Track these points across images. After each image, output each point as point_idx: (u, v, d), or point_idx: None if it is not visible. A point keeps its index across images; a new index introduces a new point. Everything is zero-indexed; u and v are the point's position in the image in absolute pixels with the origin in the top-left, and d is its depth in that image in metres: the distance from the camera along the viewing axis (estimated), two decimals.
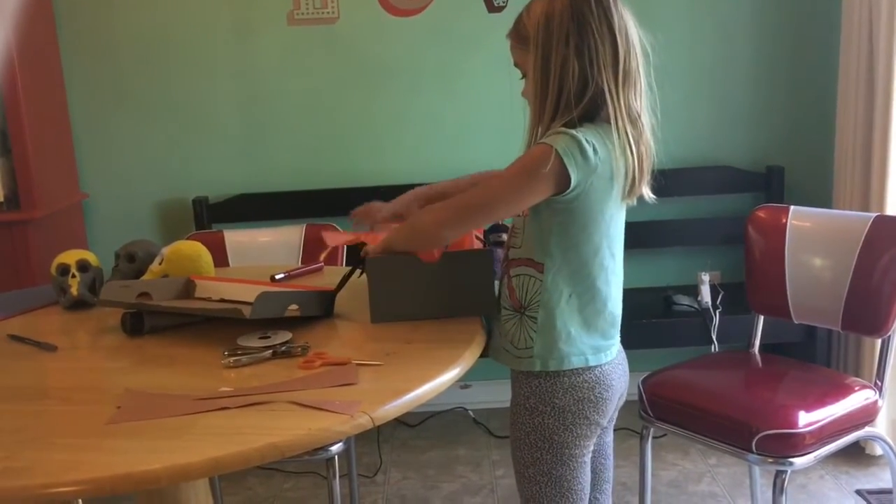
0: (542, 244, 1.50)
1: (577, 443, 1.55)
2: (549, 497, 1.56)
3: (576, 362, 1.52)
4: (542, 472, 1.55)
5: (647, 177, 1.52)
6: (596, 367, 1.54)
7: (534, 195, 1.45)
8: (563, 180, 1.42)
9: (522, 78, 1.56)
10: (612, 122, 1.45)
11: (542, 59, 1.46)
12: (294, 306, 1.67)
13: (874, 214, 2.17)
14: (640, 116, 1.48)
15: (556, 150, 1.40)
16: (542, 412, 1.53)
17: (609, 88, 1.44)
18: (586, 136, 1.42)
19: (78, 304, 1.93)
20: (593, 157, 1.42)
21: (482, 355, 1.56)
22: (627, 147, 1.46)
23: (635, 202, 1.55)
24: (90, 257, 2.00)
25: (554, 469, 1.54)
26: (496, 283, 1.64)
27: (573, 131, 1.43)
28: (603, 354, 1.56)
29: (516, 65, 1.56)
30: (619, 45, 1.44)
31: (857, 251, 2.12)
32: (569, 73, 1.44)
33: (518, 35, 1.53)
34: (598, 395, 1.55)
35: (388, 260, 1.66)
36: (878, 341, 2.18)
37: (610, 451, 1.74)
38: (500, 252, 1.69)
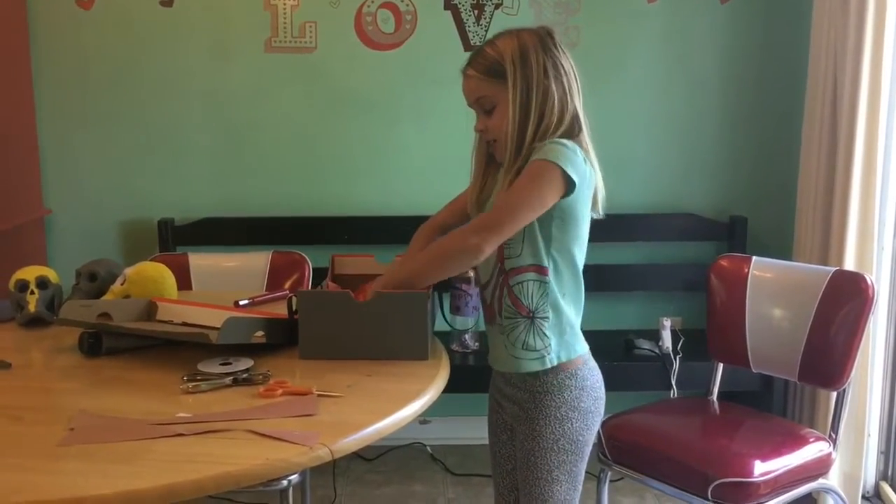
0: (545, 248, 1.59)
1: (591, 439, 1.69)
2: (566, 491, 1.67)
3: (580, 350, 1.66)
4: (566, 471, 1.66)
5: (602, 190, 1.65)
6: (588, 355, 1.68)
7: (546, 200, 1.53)
8: (566, 183, 1.52)
9: (488, 111, 1.62)
10: (586, 138, 1.61)
11: (523, 91, 1.57)
12: (260, 333, 1.66)
13: (833, 269, 2.22)
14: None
15: (552, 161, 1.51)
16: (570, 419, 1.64)
17: (579, 111, 1.60)
18: (572, 146, 1.55)
19: (35, 322, 1.89)
20: (583, 163, 1.55)
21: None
22: (594, 161, 1.62)
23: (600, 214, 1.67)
24: (50, 274, 1.97)
25: (575, 466, 1.67)
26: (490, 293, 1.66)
27: (561, 140, 1.55)
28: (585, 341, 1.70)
29: (479, 99, 1.63)
30: (576, 73, 1.61)
31: (816, 304, 2.16)
32: (548, 102, 1.57)
33: (489, 69, 1.60)
34: (602, 393, 1.70)
35: (320, 295, 1.66)
36: (833, 394, 2.21)
37: None
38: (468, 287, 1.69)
